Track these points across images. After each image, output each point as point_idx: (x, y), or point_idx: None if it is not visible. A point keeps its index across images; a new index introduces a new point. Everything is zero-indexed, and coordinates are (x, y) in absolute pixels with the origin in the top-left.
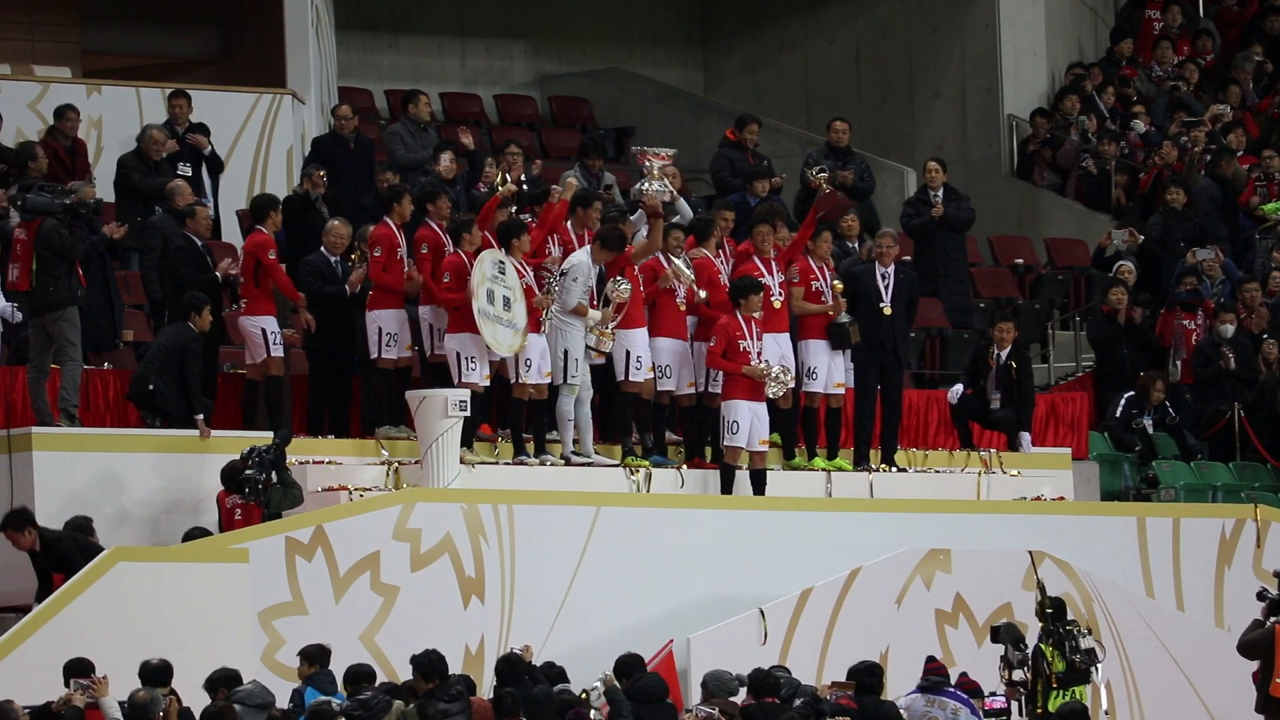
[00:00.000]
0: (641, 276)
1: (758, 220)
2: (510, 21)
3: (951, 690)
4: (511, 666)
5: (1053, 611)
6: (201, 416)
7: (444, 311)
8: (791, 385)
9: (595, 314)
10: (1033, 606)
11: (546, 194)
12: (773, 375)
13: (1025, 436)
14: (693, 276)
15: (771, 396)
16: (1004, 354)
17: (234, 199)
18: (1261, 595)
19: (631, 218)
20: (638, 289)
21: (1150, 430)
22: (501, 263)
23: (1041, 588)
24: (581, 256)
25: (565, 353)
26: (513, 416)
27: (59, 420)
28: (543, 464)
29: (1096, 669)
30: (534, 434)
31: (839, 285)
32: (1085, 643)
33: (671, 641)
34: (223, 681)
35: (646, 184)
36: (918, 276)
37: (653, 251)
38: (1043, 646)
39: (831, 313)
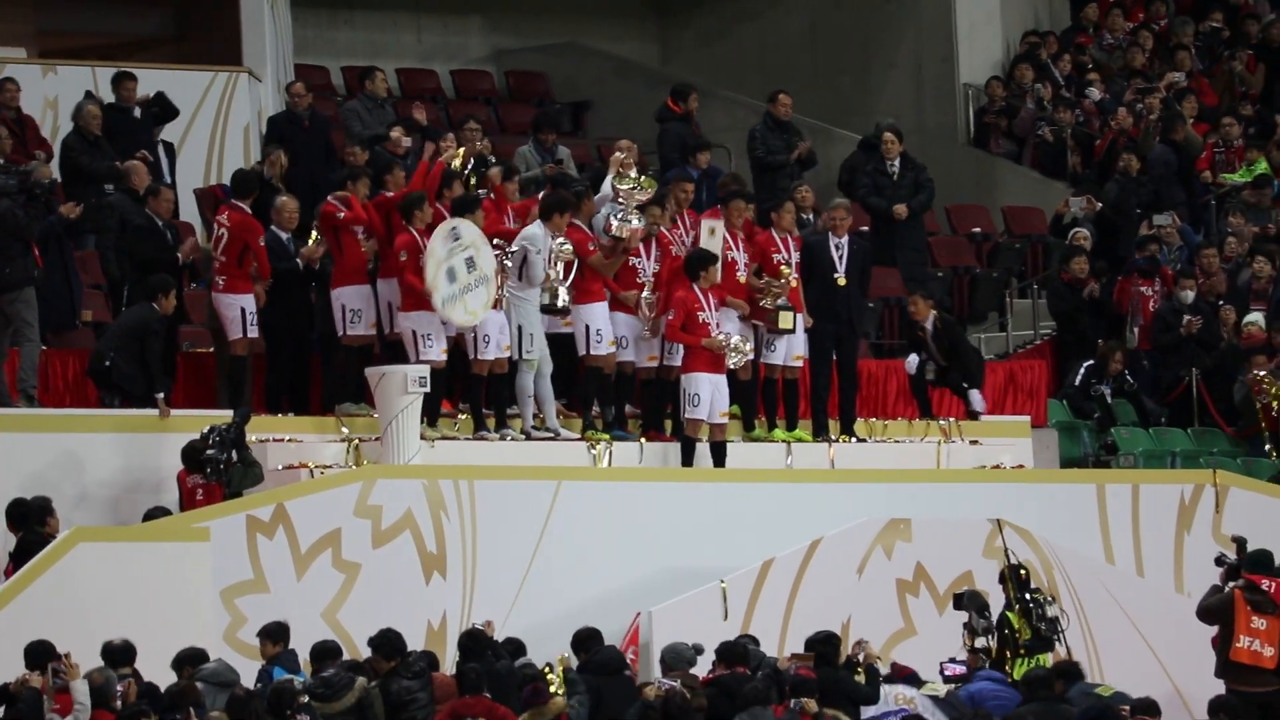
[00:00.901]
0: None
1: (732, 195)
2: None
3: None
4: (475, 641)
5: (1021, 580)
6: (161, 395)
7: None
8: (751, 356)
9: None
10: (994, 574)
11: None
12: (732, 346)
13: (975, 394)
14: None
15: (732, 367)
16: (927, 324)
17: (191, 178)
18: (1219, 560)
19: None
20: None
21: (1109, 398)
22: (454, 229)
23: (1007, 555)
24: (533, 229)
25: (519, 328)
26: (472, 392)
27: (17, 401)
28: (503, 439)
29: (1061, 636)
30: (494, 409)
31: (787, 271)
32: (1051, 611)
33: (639, 615)
34: (188, 660)
35: (620, 215)
36: (871, 246)
37: (609, 272)
38: (1009, 614)
39: (767, 305)
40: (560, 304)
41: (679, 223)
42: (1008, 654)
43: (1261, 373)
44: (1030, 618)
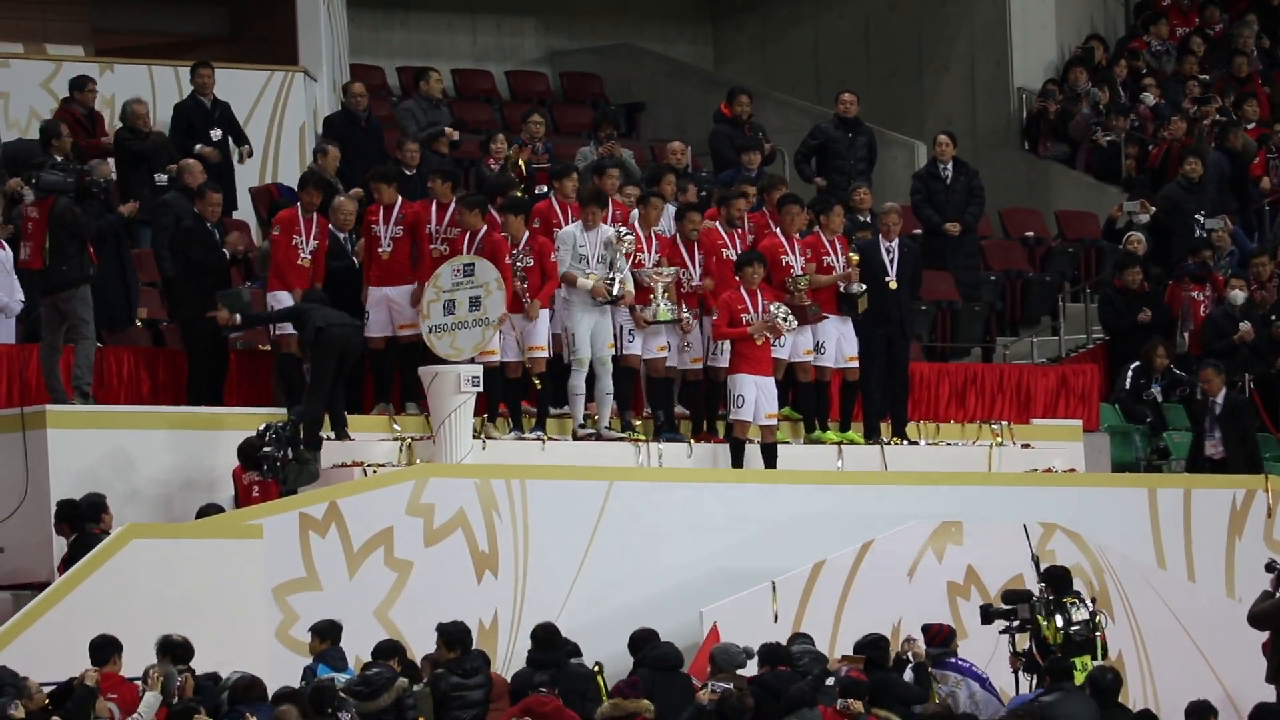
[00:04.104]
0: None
1: (790, 199)
2: None
3: (953, 661)
4: (549, 635)
5: (1050, 582)
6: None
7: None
8: (795, 326)
9: (585, 281)
10: (1034, 578)
11: (566, 170)
12: (780, 317)
13: None
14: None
15: (789, 331)
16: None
17: (247, 176)
18: (1270, 566)
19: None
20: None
21: (1160, 399)
22: (468, 265)
23: (1036, 561)
24: (569, 228)
25: (564, 329)
26: (508, 393)
27: (73, 398)
28: (538, 440)
29: (1098, 638)
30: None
31: (855, 256)
32: (1078, 614)
33: (716, 622)
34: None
35: (654, 309)
36: (921, 249)
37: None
38: (1040, 619)
39: (841, 284)
40: (615, 293)
41: (738, 227)
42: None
43: None
44: (1058, 621)
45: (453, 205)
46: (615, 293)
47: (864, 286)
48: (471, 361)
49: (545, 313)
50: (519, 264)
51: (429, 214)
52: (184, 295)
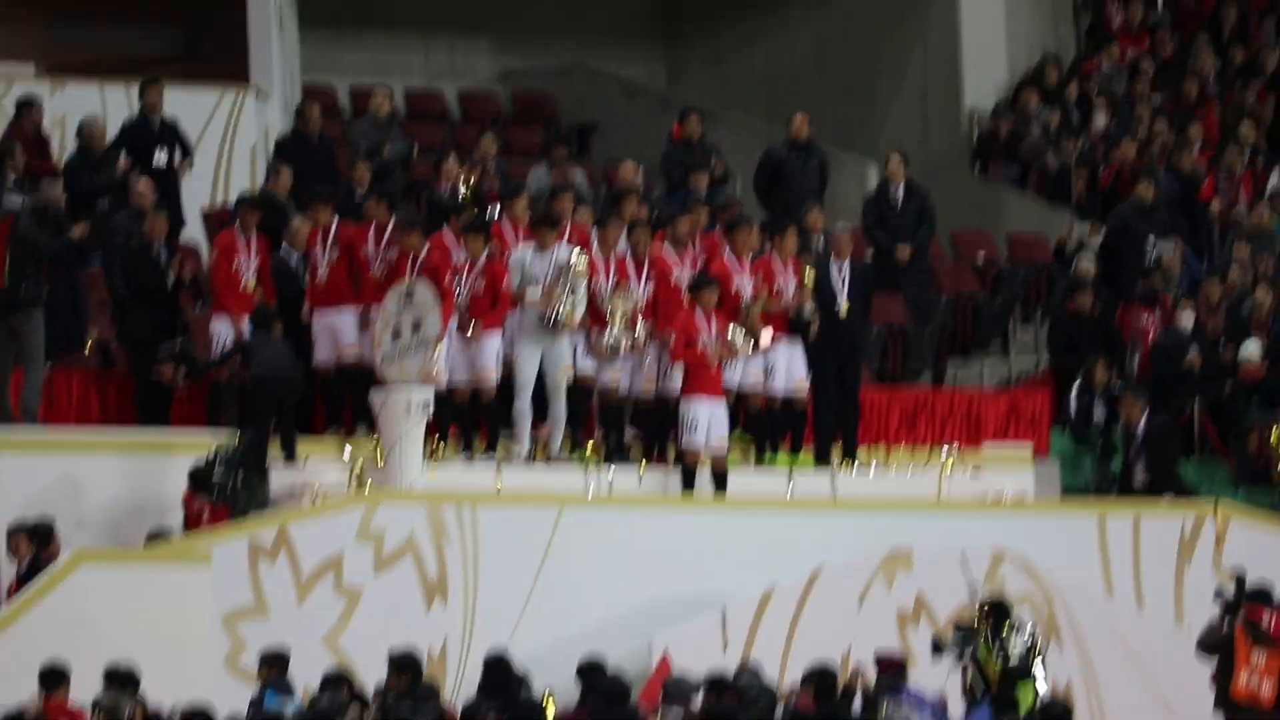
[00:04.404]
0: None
1: (741, 220)
2: (473, 17)
3: (906, 691)
4: (500, 663)
5: (990, 613)
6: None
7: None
8: (751, 349)
9: (533, 290)
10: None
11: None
12: (737, 339)
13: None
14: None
15: (749, 353)
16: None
17: (198, 196)
18: (1219, 594)
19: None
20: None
21: (1104, 420)
22: (409, 290)
23: (974, 589)
24: (519, 251)
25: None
26: (448, 418)
27: (21, 422)
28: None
29: (1038, 664)
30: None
31: (811, 271)
32: (1016, 643)
33: (666, 649)
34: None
35: (610, 337)
36: (874, 272)
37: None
38: (982, 646)
39: (793, 306)
40: (556, 318)
41: (689, 247)
42: (983, 688)
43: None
44: (995, 650)
45: (390, 227)
46: (558, 318)
47: (815, 308)
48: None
49: (496, 335)
50: (463, 288)
51: (366, 236)
52: (129, 316)
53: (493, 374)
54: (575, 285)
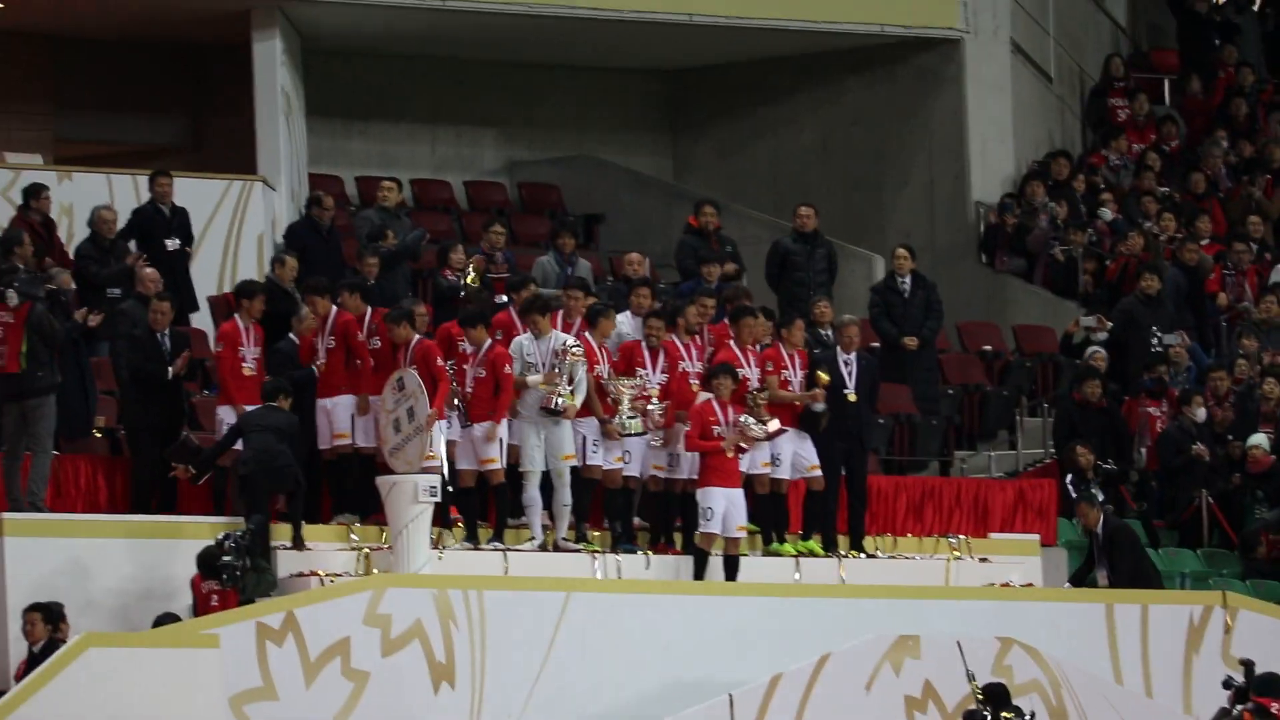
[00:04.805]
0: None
1: (745, 311)
2: (480, 108)
3: None
4: None
5: (987, 700)
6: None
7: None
8: (764, 435)
9: (533, 378)
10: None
11: (524, 282)
12: (750, 425)
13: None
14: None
15: (762, 435)
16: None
17: (205, 284)
18: (1227, 683)
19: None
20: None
21: (1101, 497)
22: (400, 379)
23: (971, 676)
24: (518, 338)
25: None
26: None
27: (27, 510)
28: (495, 550)
29: None
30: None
31: (825, 378)
32: None
33: None
34: None
35: (620, 419)
36: (879, 362)
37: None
38: None
39: (806, 401)
40: (555, 406)
41: (697, 336)
42: None
43: None
44: None
45: (368, 317)
46: (556, 405)
47: (825, 406)
48: (424, 471)
49: (500, 424)
50: (468, 378)
51: (360, 324)
52: (129, 403)
53: (497, 461)
54: (572, 372)
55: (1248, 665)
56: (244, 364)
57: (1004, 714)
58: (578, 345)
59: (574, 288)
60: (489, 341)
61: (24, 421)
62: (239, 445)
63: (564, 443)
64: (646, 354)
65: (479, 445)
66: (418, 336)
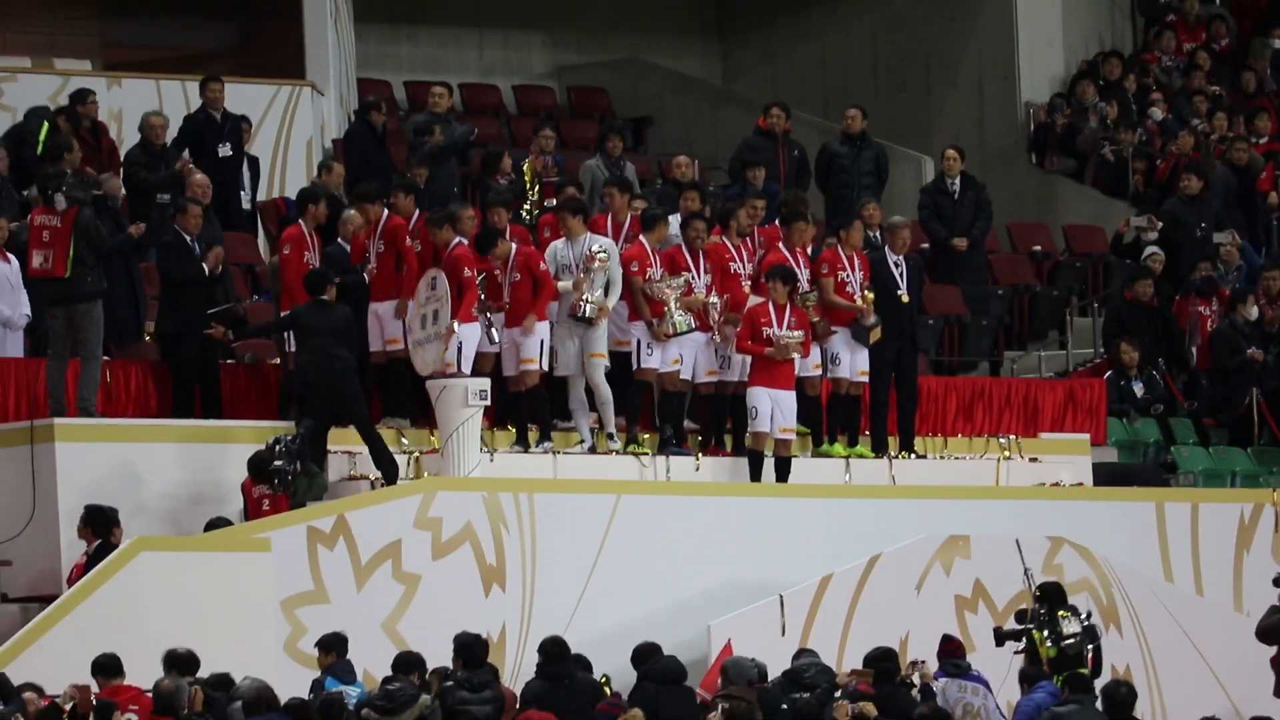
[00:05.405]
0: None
1: (797, 215)
2: (528, 12)
3: (976, 674)
4: (557, 649)
5: (1044, 597)
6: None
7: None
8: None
9: (563, 284)
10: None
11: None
12: (793, 344)
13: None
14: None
15: (794, 354)
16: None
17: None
18: (1277, 580)
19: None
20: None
21: (1142, 394)
22: (434, 279)
23: (1029, 575)
24: (555, 242)
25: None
26: (512, 409)
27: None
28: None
29: (1094, 652)
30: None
31: (870, 295)
32: (1069, 627)
33: (729, 640)
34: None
35: (669, 320)
36: (929, 264)
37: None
38: (1034, 633)
39: (859, 315)
40: (583, 314)
41: (748, 239)
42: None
43: None
44: (1050, 635)
45: (414, 219)
46: (585, 313)
47: (878, 319)
48: (474, 374)
49: (544, 324)
50: (504, 281)
51: (408, 229)
52: (164, 309)
53: (535, 363)
54: (597, 277)
55: None
56: (310, 269)
57: (1060, 612)
58: (603, 251)
59: (613, 185)
60: (515, 246)
61: (70, 327)
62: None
63: (594, 343)
64: (688, 257)
65: (520, 347)
66: (458, 239)
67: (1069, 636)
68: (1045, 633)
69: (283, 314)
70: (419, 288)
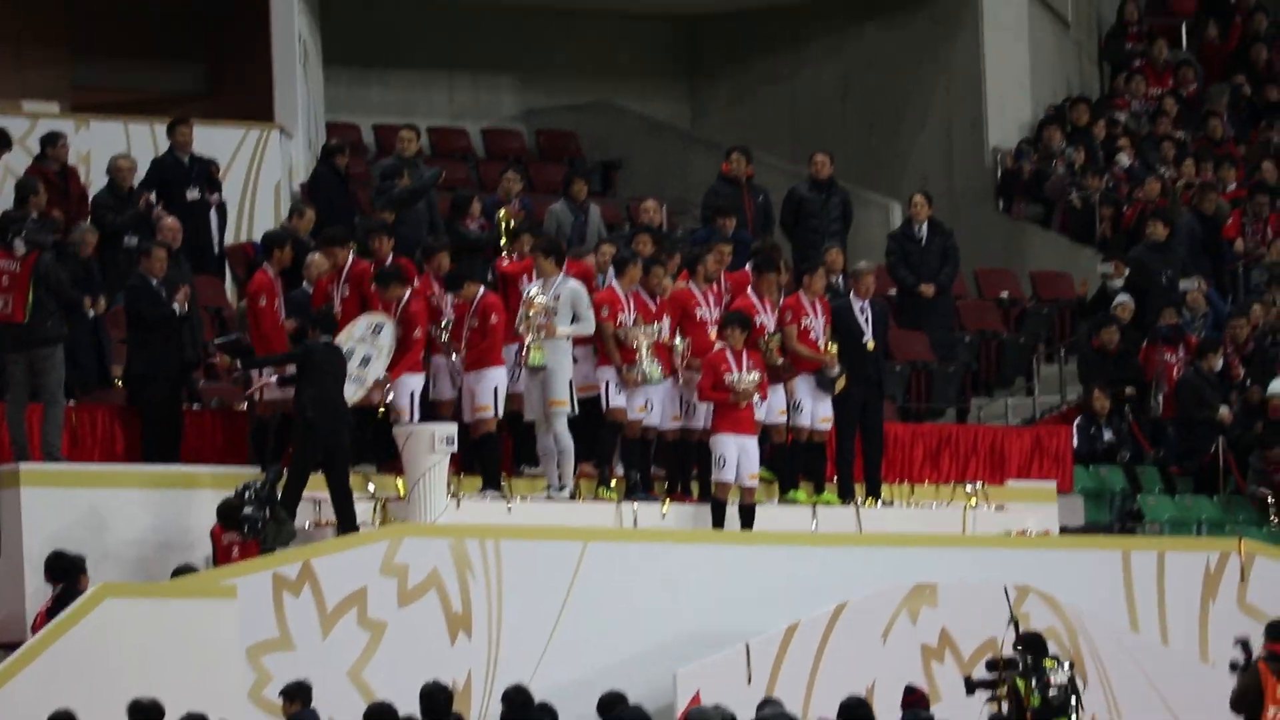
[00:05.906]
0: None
1: (769, 265)
2: (497, 55)
3: None
4: (521, 697)
5: (1025, 648)
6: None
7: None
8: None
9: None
10: (1011, 640)
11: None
12: (751, 385)
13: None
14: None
15: (753, 385)
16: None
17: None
18: (1239, 642)
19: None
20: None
21: (1111, 439)
22: (379, 325)
23: (1015, 623)
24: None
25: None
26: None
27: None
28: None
29: (1076, 703)
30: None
31: (834, 347)
32: (1057, 677)
33: (698, 691)
34: None
35: (639, 368)
36: (896, 309)
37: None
38: (1018, 681)
39: (823, 361)
40: (530, 363)
41: (714, 284)
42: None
43: None
44: (1036, 685)
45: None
46: (530, 361)
47: (843, 369)
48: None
49: (499, 371)
50: (465, 325)
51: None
52: (133, 351)
53: (490, 410)
54: (536, 323)
55: (1243, 643)
56: (281, 316)
57: (1046, 661)
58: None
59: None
60: (482, 290)
61: (31, 372)
62: (270, 394)
63: (555, 390)
64: (648, 299)
65: (475, 392)
66: (408, 292)
67: (1055, 686)
68: (1032, 681)
69: (299, 348)
70: (358, 321)
